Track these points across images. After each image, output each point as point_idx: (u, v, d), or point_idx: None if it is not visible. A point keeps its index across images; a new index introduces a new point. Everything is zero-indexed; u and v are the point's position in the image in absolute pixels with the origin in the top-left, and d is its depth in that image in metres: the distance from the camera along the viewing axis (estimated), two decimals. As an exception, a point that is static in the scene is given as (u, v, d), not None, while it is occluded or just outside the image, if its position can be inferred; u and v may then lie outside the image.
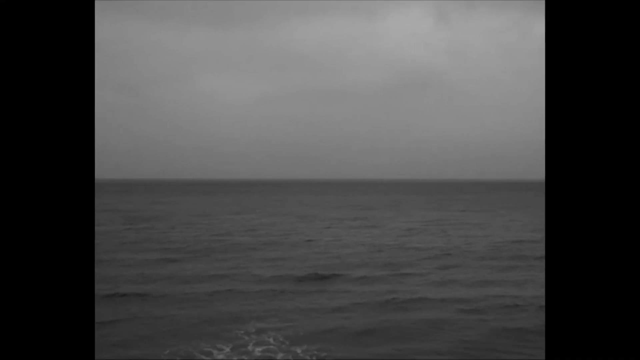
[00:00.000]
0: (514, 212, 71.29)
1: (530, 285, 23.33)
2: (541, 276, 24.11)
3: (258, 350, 14.65)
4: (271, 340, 15.51)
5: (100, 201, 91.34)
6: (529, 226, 50.84)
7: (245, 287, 22.60)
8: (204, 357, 14.16)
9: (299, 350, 14.72)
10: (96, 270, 24.98)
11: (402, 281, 24.30)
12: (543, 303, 18.05)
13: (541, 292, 20.82)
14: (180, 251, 33.00)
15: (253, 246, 35.51)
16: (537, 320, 17.27)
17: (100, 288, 21.52)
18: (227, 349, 14.71)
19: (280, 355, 14.46)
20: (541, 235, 40.94)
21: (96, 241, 35.44)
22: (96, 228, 43.92)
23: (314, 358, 14.32)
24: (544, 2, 6.07)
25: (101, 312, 17.55)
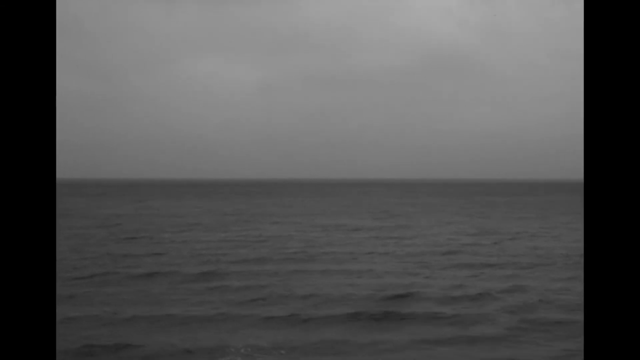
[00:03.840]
0: (570, 218, 68.85)
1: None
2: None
3: None
4: None
5: (73, 205, 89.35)
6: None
7: (255, 336, 19.44)
8: None
9: None
10: (71, 304, 22.31)
11: (469, 319, 21.43)
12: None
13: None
14: (179, 275, 30.25)
15: (265, 269, 32.57)
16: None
17: (79, 334, 18.80)
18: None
19: None
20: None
21: (72, 259, 32.90)
22: (71, 241, 41.53)
23: None
24: None
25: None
